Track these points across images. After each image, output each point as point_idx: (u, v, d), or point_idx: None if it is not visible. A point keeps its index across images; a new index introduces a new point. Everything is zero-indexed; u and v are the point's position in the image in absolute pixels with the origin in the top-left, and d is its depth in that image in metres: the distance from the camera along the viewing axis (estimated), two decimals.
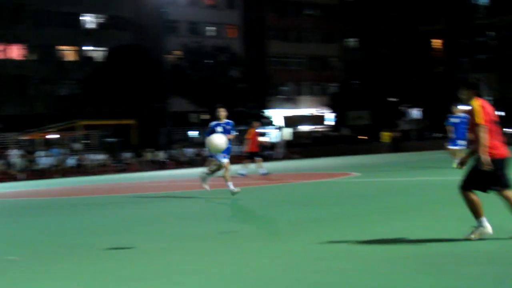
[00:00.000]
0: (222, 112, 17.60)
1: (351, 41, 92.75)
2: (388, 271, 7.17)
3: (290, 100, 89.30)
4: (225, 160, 17.19)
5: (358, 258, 8.01)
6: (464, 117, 22.70)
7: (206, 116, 70.48)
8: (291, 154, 61.17)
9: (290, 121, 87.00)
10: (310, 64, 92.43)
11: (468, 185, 8.66)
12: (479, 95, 8.80)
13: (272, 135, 77.38)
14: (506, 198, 8.61)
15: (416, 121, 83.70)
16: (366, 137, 74.55)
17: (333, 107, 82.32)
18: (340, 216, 12.63)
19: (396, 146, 59.19)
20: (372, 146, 63.61)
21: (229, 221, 13.08)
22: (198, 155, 56.25)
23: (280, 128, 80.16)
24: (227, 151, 17.16)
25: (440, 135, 69.55)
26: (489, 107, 8.72)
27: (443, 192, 16.47)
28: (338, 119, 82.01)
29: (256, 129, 29.83)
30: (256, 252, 8.86)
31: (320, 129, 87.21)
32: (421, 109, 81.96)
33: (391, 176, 24.26)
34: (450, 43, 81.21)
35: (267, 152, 60.32)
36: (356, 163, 37.01)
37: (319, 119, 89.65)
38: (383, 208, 13.58)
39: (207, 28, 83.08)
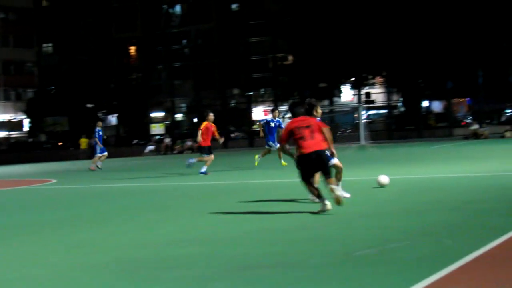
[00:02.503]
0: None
1: (48, 46, 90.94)
2: (86, 279, 7.13)
3: None
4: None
5: (55, 266, 7.89)
6: (278, 121, 25.74)
7: None
8: None
9: None
10: (5, 68, 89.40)
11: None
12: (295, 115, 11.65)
13: None
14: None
15: (113, 127, 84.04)
16: (61, 143, 73.60)
17: (29, 113, 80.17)
18: (37, 224, 12.36)
19: (94, 153, 58.92)
20: (69, 153, 62.87)
21: None
22: None
23: None
24: None
25: (136, 141, 70.58)
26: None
27: (141, 197, 16.77)
28: (34, 125, 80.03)
29: None
30: None
31: (17, 135, 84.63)
32: (117, 115, 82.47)
33: (87, 182, 24.12)
34: (146, 51, 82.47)
35: None
36: (53, 169, 36.39)
37: (16, 125, 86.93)
38: (79, 215, 13.46)
39: None
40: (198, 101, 71.63)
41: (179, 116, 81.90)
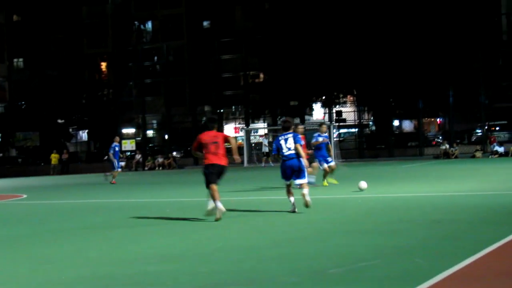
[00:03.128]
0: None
1: (19, 61, 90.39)
2: None
3: None
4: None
5: (24, 282, 7.83)
6: (327, 136, 23.72)
7: None
8: None
9: None
10: None
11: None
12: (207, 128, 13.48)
13: None
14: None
15: (84, 143, 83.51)
16: (32, 159, 73.08)
17: None
18: (6, 239, 12.25)
19: (64, 168, 58.62)
20: (40, 168, 62.42)
21: None
22: None
23: None
24: None
25: (107, 157, 70.18)
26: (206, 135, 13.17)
27: (111, 214, 16.66)
28: (4, 140, 79.43)
29: None
30: None
31: None
32: (87, 131, 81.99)
33: (58, 198, 23.94)
34: (117, 67, 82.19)
35: None
36: (23, 185, 36.06)
37: None
38: (49, 230, 13.39)
39: None
40: (169, 118, 71.36)
41: (150, 133, 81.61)
